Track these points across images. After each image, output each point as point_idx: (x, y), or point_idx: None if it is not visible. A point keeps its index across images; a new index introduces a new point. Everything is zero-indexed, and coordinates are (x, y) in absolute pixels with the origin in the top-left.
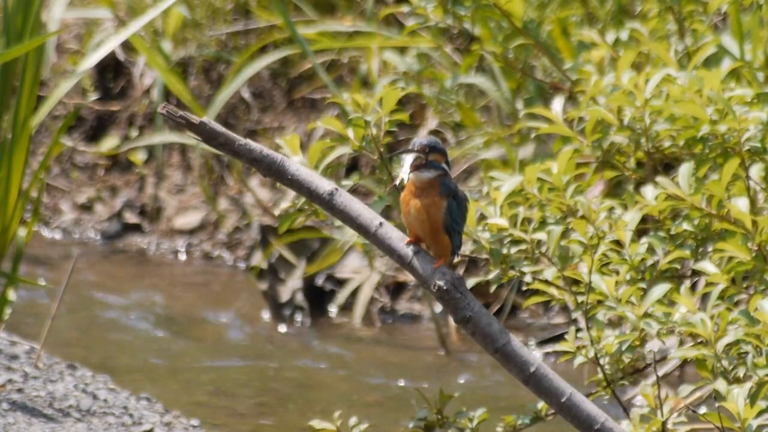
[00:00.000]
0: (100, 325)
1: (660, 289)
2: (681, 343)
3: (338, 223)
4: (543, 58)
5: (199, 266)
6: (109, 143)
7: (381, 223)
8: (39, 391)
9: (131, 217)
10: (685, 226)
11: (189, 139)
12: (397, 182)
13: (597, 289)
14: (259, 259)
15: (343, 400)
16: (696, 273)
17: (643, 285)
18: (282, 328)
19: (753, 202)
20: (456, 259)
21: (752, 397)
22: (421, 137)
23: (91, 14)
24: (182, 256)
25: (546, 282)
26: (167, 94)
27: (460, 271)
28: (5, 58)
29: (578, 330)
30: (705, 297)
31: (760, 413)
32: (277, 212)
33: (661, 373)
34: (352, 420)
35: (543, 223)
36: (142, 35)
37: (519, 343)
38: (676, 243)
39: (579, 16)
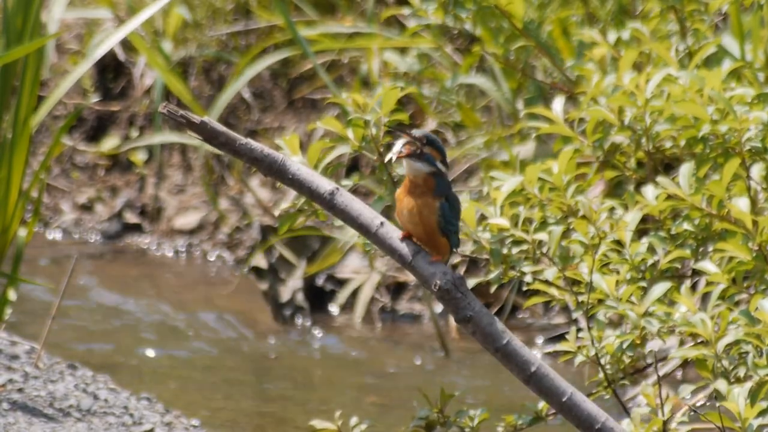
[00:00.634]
0: (101, 325)
1: (661, 288)
2: (681, 343)
3: (339, 223)
4: (543, 58)
5: (200, 266)
6: (110, 143)
7: (382, 223)
8: (39, 391)
9: (131, 217)
10: (686, 226)
11: (189, 139)
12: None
13: (598, 288)
14: (259, 259)
15: (343, 400)
16: (696, 273)
17: (643, 284)
18: (282, 328)
19: (753, 202)
20: (456, 260)
21: (753, 397)
22: (423, 130)
23: (91, 14)
24: (182, 256)
25: (547, 282)
26: (167, 95)
27: (461, 271)
28: (5, 60)
29: (579, 330)
30: (705, 297)
31: (760, 413)
32: (277, 212)
33: (661, 373)
34: (353, 420)
35: (544, 223)
36: (143, 35)
37: (520, 342)
38: (677, 243)
39: (579, 16)
